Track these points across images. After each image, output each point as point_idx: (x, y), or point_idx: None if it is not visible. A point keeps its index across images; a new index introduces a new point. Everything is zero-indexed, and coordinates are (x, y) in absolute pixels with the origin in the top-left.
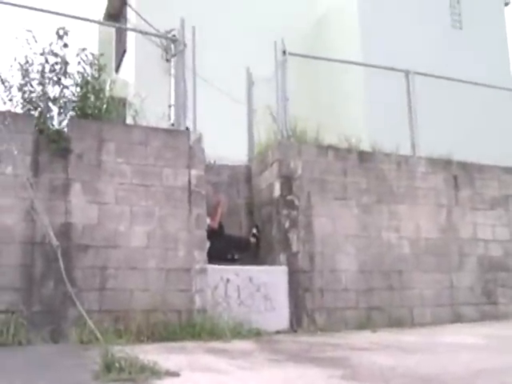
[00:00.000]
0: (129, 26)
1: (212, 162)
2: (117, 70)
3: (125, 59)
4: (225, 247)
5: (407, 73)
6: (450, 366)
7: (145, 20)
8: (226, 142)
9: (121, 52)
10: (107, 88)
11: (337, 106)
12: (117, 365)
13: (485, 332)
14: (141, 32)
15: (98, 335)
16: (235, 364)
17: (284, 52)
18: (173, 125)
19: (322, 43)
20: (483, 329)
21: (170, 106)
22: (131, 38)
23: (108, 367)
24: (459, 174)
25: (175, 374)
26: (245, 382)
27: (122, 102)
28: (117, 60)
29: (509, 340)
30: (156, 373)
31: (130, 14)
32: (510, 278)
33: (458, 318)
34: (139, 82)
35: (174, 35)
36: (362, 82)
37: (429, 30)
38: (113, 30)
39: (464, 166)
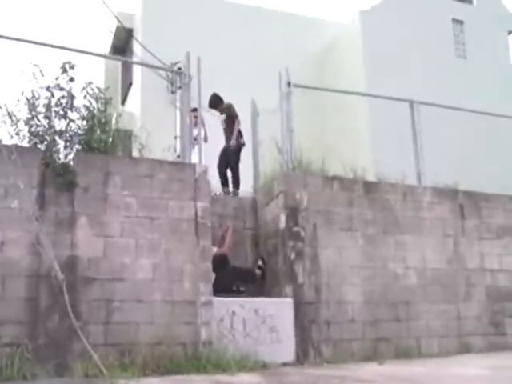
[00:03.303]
0: (135, 58)
1: (218, 193)
2: (123, 102)
3: (131, 92)
4: (230, 279)
5: (411, 102)
6: None
7: (151, 53)
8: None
9: (127, 85)
10: (113, 121)
11: (342, 136)
12: None
13: (492, 363)
14: (147, 65)
15: (103, 369)
16: None
17: (289, 83)
18: (178, 157)
19: (327, 73)
20: (490, 360)
21: (175, 138)
22: (137, 70)
23: None
24: (465, 203)
25: None
26: None
27: (128, 135)
28: (123, 93)
29: None
30: None
31: (136, 46)
32: None
33: (465, 349)
34: (145, 114)
35: (179, 68)
36: (366, 113)
37: (433, 59)
38: (119, 63)
39: (470, 195)
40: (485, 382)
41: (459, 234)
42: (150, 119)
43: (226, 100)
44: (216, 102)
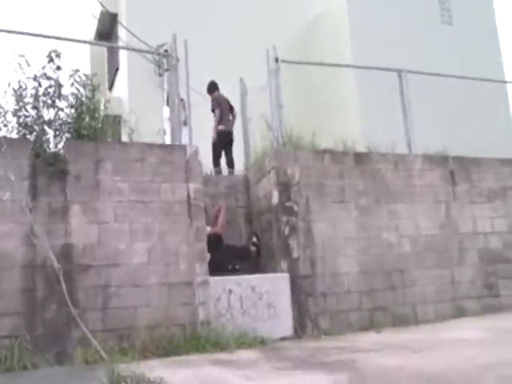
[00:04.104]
0: (120, 43)
1: (209, 173)
2: (110, 88)
3: (118, 77)
4: (225, 258)
5: (399, 72)
6: (454, 362)
7: (136, 37)
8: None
9: (113, 70)
10: (102, 106)
11: (331, 108)
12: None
13: (487, 325)
14: (133, 50)
15: (103, 354)
16: (241, 375)
17: (276, 59)
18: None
19: (314, 47)
20: (486, 322)
21: (164, 120)
22: (123, 55)
23: None
24: (456, 169)
25: None
26: None
27: (117, 120)
28: (110, 78)
29: (510, 332)
30: None
31: (121, 31)
32: (510, 269)
33: (460, 313)
34: (133, 99)
35: (166, 50)
36: (354, 84)
37: (419, 27)
38: (104, 49)
39: (460, 160)
40: (481, 344)
41: (451, 199)
42: (138, 103)
43: (215, 80)
44: (210, 88)
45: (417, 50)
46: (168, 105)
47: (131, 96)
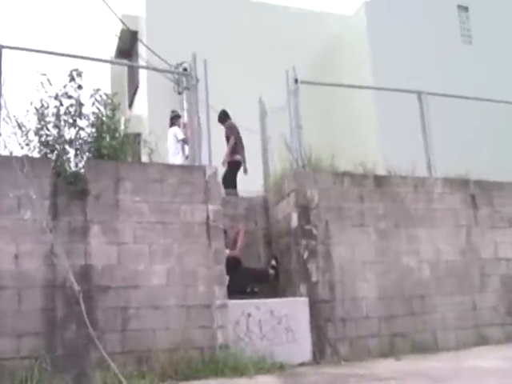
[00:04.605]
0: (140, 61)
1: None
2: (130, 106)
3: (137, 95)
4: (244, 280)
5: (419, 93)
6: None
7: (157, 55)
8: (241, 173)
9: (133, 88)
10: (122, 126)
11: (350, 130)
12: None
13: (510, 355)
14: (153, 69)
15: (122, 378)
16: None
17: (296, 80)
18: (187, 158)
19: (333, 68)
20: (509, 351)
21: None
22: (143, 73)
23: None
24: (477, 192)
25: None
26: None
27: (137, 139)
28: (130, 96)
29: None
30: None
31: (141, 48)
32: None
33: (482, 341)
34: (153, 117)
35: (185, 68)
36: (373, 105)
37: (439, 47)
38: (125, 67)
39: (481, 184)
40: (504, 374)
41: (472, 223)
42: (157, 121)
43: (235, 99)
44: (222, 117)
45: (437, 70)
46: (171, 126)
47: (151, 114)
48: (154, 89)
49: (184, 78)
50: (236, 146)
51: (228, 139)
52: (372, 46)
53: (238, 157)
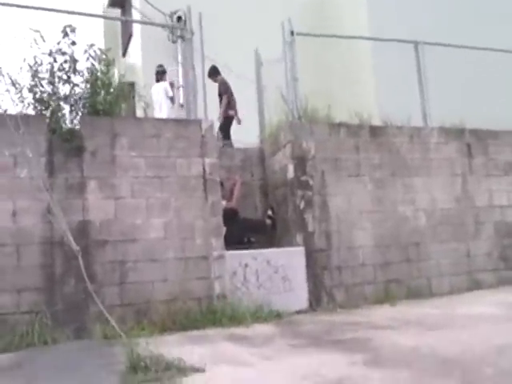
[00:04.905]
0: (134, 10)
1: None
2: (124, 54)
3: (131, 43)
4: (241, 231)
5: (416, 43)
6: (470, 343)
7: (150, 3)
8: (237, 124)
9: (127, 36)
10: (116, 73)
11: (346, 80)
12: (142, 364)
13: (502, 299)
14: (147, 23)
15: (119, 331)
16: (258, 353)
17: (292, 32)
18: (182, 106)
19: (330, 18)
20: (501, 295)
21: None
22: (136, 16)
23: (134, 368)
24: (472, 141)
25: (200, 370)
26: (268, 374)
27: (132, 92)
28: (123, 45)
29: None
30: (182, 370)
31: None
32: None
33: (475, 285)
34: (147, 66)
35: (179, 17)
36: (370, 55)
37: None
38: (118, 15)
39: (477, 133)
40: (496, 321)
41: (467, 172)
42: (151, 71)
43: (230, 52)
44: (212, 73)
45: (433, 17)
46: (158, 81)
47: (145, 63)
48: (148, 37)
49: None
50: (229, 103)
51: (221, 96)
52: None
53: (231, 112)
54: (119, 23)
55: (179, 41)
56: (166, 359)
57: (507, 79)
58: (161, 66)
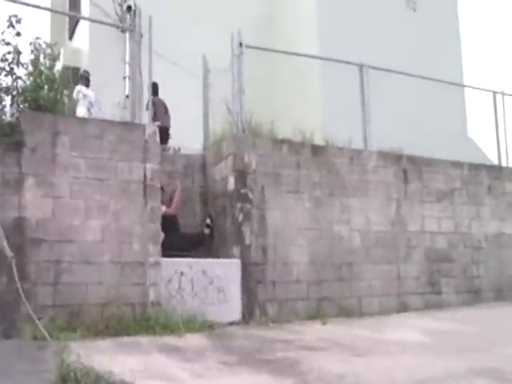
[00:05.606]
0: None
1: (167, 149)
2: (70, 37)
3: (78, 27)
4: (179, 242)
5: (361, 66)
6: (394, 375)
7: None
8: (180, 131)
9: (75, 19)
10: (61, 57)
11: (294, 96)
12: (72, 375)
13: (428, 325)
14: (98, 21)
15: (46, 335)
16: (189, 369)
17: (240, 44)
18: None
19: (282, 33)
20: (427, 320)
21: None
22: (85, 4)
23: (64, 379)
24: (408, 167)
25: None
26: None
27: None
28: (70, 27)
29: (450, 337)
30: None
31: None
32: (453, 268)
33: (403, 308)
34: (94, 51)
35: (129, 6)
36: (318, 74)
37: (384, 12)
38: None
39: (413, 159)
40: (422, 351)
41: (402, 197)
42: (98, 56)
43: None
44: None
45: (380, 36)
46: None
47: (92, 48)
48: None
49: (127, 15)
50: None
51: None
52: (318, 11)
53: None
54: (67, 3)
55: (127, 34)
56: (96, 371)
57: (448, 106)
58: (86, 71)
